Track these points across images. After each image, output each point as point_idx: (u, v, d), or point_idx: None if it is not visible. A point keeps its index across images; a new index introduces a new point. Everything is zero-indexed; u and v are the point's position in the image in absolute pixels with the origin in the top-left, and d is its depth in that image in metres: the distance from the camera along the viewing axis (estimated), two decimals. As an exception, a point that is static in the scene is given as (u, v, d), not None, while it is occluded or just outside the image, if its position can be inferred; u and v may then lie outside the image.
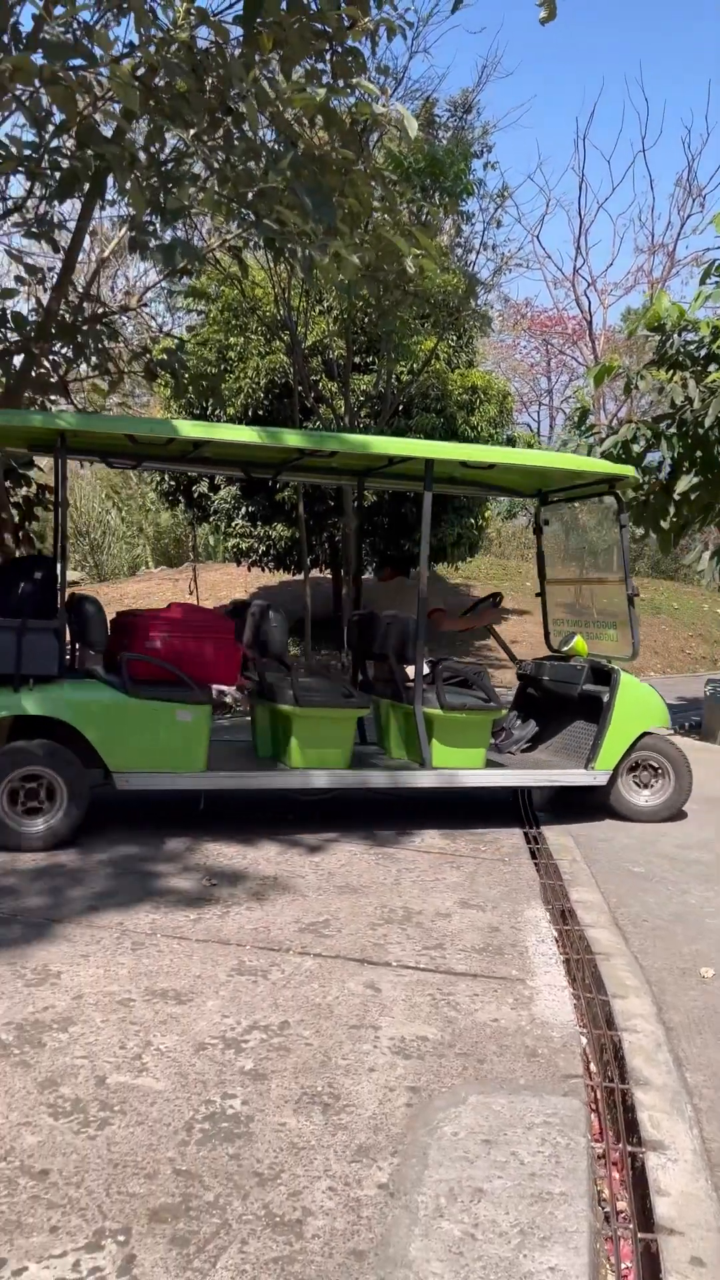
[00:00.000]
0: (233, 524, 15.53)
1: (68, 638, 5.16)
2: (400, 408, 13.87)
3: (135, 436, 5.32)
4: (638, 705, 5.85)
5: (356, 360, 13.67)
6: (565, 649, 6.40)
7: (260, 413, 14.00)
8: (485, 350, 26.05)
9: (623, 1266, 2.16)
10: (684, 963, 3.69)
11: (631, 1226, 2.27)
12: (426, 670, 5.61)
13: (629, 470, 6.08)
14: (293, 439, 5.48)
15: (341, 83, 5.16)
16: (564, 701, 6.33)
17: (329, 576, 17.16)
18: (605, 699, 5.79)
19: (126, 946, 3.63)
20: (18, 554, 7.62)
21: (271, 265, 11.86)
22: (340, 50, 5.18)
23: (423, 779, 5.53)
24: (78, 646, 5.50)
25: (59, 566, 5.06)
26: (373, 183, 5.57)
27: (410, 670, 5.64)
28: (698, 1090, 2.73)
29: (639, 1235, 2.21)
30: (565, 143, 54.48)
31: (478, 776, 5.64)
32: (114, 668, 5.20)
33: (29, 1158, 2.30)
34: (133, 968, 3.44)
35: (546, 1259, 2.03)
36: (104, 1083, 2.65)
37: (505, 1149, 2.42)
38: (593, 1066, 2.96)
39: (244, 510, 15.23)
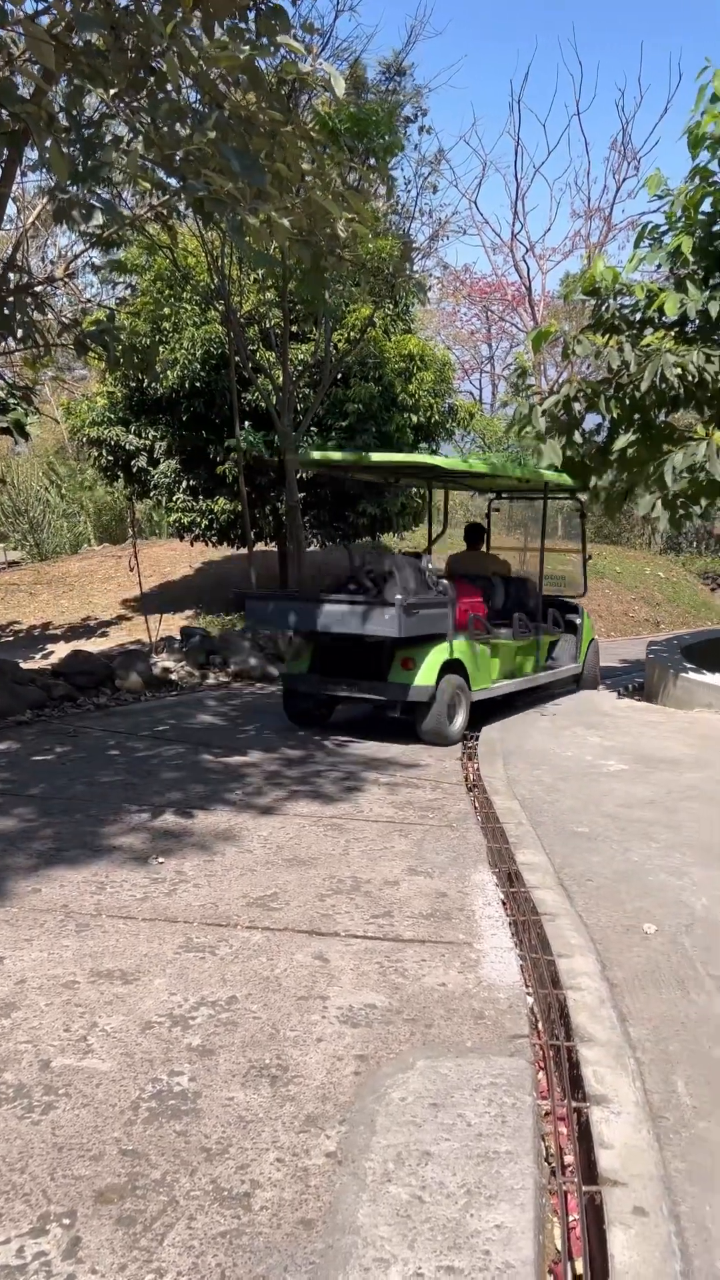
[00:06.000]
0: (174, 499, 15.31)
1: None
2: (340, 376, 13.73)
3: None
4: (588, 627, 10.00)
5: (294, 329, 13.48)
6: None
7: (198, 384, 13.77)
8: (424, 318, 25.86)
9: (570, 1219, 2.19)
10: (627, 920, 3.74)
11: (577, 1180, 2.31)
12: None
13: (579, 484, 9.56)
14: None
15: (265, 40, 5.04)
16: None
17: (274, 549, 17.05)
18: (578, 621, 9.70)
19: (71, 929, 3.58)
20: None
21: (202, 232, 11.62)
22: (264, 7, 5.05)
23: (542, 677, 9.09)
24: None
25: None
26: (302, 145, 5.46)
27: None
28: (640, 1044, 2.78)
29: (584, 1188, 2.25)
30: (499, 105, 54.27)
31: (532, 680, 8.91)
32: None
33: (-29, 1146, 2.26)
34: (77, 950, 3.40)
35: (493, 1217, 2.05)
36: (48, 1067, 2.61)
37: (452, 1111, 2.44)
38: (539, 1026, 3.00)
39: (185, 485, 15.02)
